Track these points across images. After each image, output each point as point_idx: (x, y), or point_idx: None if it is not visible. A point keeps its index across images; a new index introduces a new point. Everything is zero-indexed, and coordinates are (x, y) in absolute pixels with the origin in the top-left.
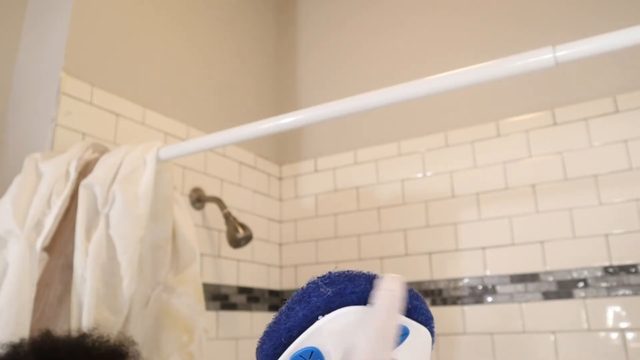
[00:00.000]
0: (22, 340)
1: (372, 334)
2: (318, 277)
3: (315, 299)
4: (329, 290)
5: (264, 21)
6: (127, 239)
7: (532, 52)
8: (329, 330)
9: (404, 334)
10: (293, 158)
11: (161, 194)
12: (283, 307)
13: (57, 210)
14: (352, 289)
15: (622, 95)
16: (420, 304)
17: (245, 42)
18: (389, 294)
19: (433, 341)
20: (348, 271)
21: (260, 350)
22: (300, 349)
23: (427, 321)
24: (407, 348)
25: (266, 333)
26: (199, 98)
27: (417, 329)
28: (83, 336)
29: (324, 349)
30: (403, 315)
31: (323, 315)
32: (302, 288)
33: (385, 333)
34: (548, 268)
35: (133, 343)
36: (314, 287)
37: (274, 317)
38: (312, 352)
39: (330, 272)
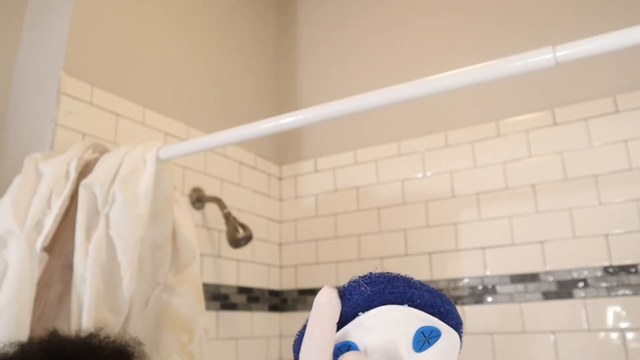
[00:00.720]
0: (30, 340)
1: (306, 342)
2: (359, 277)
3: (356, 296)
4: (368, 289)
5: (264, 21)
6: (127, 239)
7: (532, 52)
8: (367, 326)
9: (436, 335)
10: (293, 158)
11: (161, 194)
12: None
13: (57, 210)
14: (391, 289)
15: (622, 95)
16: (452, 308)
17: (245, 42)
18: (319, 305)
19: (460, 345)
20: (388, 273)
21: (298, 343)
22: (338, 342)
23: (457, 326)
24: (438, 350)
25: (306, 326)
26: (199, 98)
27: (448, 333)
28: (90, 336)
29: (360, 344)
30: (437, 318)
31: (363, 312)
32: (343, 286)
33: (318, 341)
34: (548, 268)
35: (139, 343)
36: (355, 285)
37: None
38: (349, 346)
39: (371, 273)
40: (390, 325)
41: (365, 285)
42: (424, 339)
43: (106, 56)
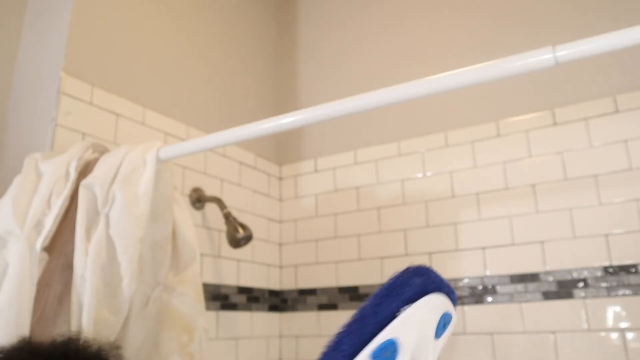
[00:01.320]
0: (1, 348)
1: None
2: (402, 271)
3: (407, 290)
4: (419, 281)
5: (264, 21)
6: (127, 239)
7: (532, 52)
8: (412, 319)
9: (449, 321)
10: (293, 158)
11: (161, 194)
12: (367, 303)
13: (57, 210)
14: (433, 279)
15: (622, 95)
16: (422, 279)
17: (245, 42)
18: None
19: (455, 303)
20: (423, 265)
21: (338, 349)
22: (382, 342)
23: (438, 289)
24: (448, 333)
25: (350, 327)
26: (199, 98)
27: (455, 314)
28: (68, 341)
29: (403, 340)
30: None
31: (407, 305)
32: (388, 282)
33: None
34: (548, 268)
35: (116, 347)
36: (404, 279)
37: (356, 314)
38: (389, 344)
39: (408, 267)
40: (426, 317)
41: (416, 276)
42: (443, 324)
43: (106, 56)
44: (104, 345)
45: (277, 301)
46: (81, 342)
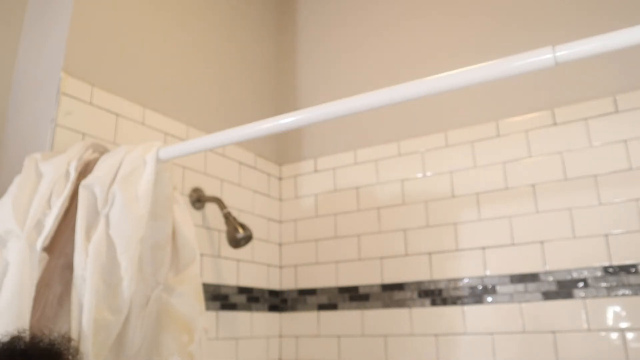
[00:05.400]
0: None
1: None
2: None
3: None
4: None
5: (264, 21)
6: (127, 239)
7: (532, 52)
8: None
9: None
10: (293, 158)
11: (161, 194)
12: None
13: (57, 210)
14: None
15: (622, 95)
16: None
17: (245, 42)
18: None
19: None
20: None
21: None
22: None
23: None
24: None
25: None
26: (199, 98)
27: None
28: (13, 339)
29: None
30: None
31: None
32: None
33: None
34: (548, 268)
35: (69, 339)
36: None
37: None
38: None
39: None
40: None
41: None
42: None
43: (106, 56)
44: (55, 339)
45: (277, 301)
46: (28, 339)
